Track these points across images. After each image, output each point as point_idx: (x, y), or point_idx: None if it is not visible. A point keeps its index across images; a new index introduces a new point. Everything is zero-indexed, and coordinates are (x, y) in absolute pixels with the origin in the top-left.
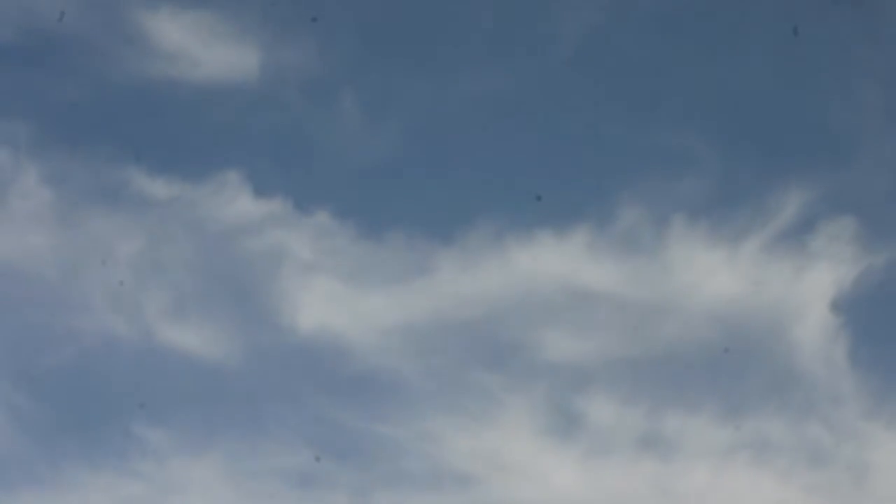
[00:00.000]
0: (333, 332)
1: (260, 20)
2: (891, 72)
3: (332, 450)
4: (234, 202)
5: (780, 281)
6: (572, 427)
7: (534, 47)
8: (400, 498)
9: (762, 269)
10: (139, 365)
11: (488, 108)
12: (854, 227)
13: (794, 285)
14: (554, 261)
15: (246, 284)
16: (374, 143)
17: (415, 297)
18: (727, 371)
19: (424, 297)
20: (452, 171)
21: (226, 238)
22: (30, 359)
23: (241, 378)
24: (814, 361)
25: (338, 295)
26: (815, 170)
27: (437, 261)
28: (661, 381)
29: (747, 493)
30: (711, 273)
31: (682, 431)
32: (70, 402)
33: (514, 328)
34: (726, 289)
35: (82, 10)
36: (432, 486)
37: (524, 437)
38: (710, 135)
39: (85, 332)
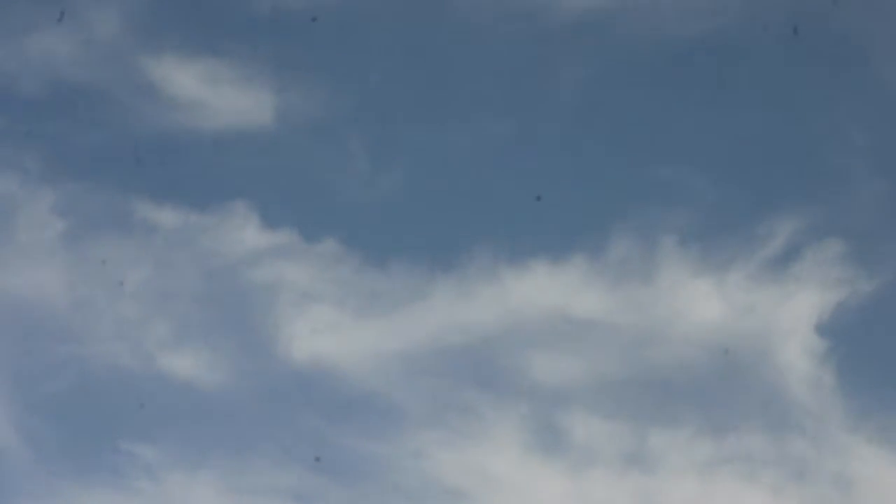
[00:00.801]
0: (330, 357)
1: (270, 67)
2: (878, 112)
3: (326, 467)
4: (241, 233)
5: (767, 305)
6: (559, 444)
7: (532, 94)
8: None
9: (750, 294)
10: (139, 389)
11: (488, 149)
12: (840, 253)
13: (780, 309)
14: (547, 288)
15: (247, 312)
16: (378, 182)
17: (411, 323)
18: (713, 391)
19: (421, 324)
20: (451, 206)
21: (230, 267)
22: (34, 382)
23: (238, 402)
24: (799, 381)
25: (335, 322)
26: (803, 200)
27: (434, 289)
28: (647, 401)
29: None
30: (700, 299)
31: (668, 447)
32: (71, 423)
33: (506, 352)
34: (715, 314)
35: (96, 61)
36: (424, 501)
37: (513, 453)
38: (702, 169)
39: (88, 357)
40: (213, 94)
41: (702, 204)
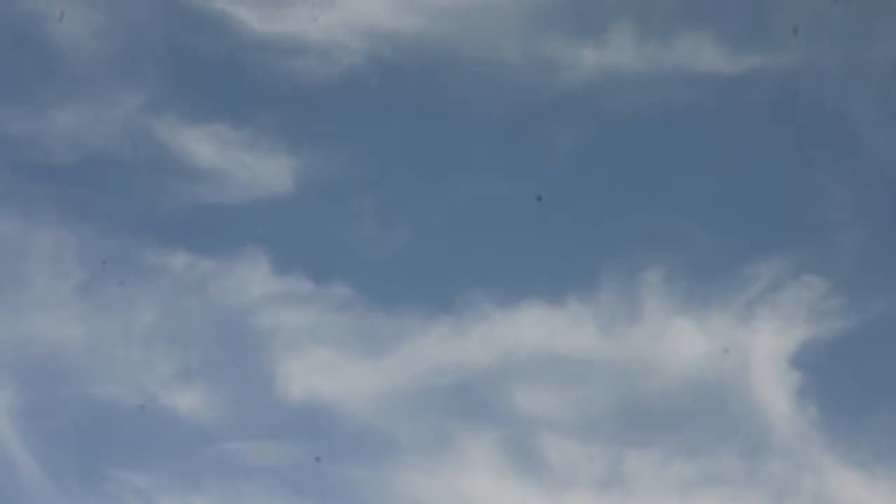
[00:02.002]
0: (327, 394)
1: (286, 136)
2: (855, 169)
3: (314, 492)
4: (251, 278)
5: (747, 340)
6: (539, 469)
7: (528, 157)
8: None
9: (730, 330)
10: (141, 424)
11: (486, 206)
12: (815, 294)
13: (759, 343)
14: (536, 328)
15: (250, 352)
16: (384, 236)
17: (406, 362)
18: (693, 420)
19: (415, 362)
20: (451, 256)
21: (238, 310)
22: (47, 416)
23: (235, 434)
24: (776, 410)
25: (332, 362)
26: (782, 246)
27: (430, 330)
28: (629, 430)
29: None
30: (683, 336)
31: (647, 470)
32: (79, 453)
33: (494, 387)
34: (697, 349)
35: (122, 132)
36: None
37: (493, 478)
38: (688, 218)
39: (96, 394)
40: (232, 161)
41: (687, 249)
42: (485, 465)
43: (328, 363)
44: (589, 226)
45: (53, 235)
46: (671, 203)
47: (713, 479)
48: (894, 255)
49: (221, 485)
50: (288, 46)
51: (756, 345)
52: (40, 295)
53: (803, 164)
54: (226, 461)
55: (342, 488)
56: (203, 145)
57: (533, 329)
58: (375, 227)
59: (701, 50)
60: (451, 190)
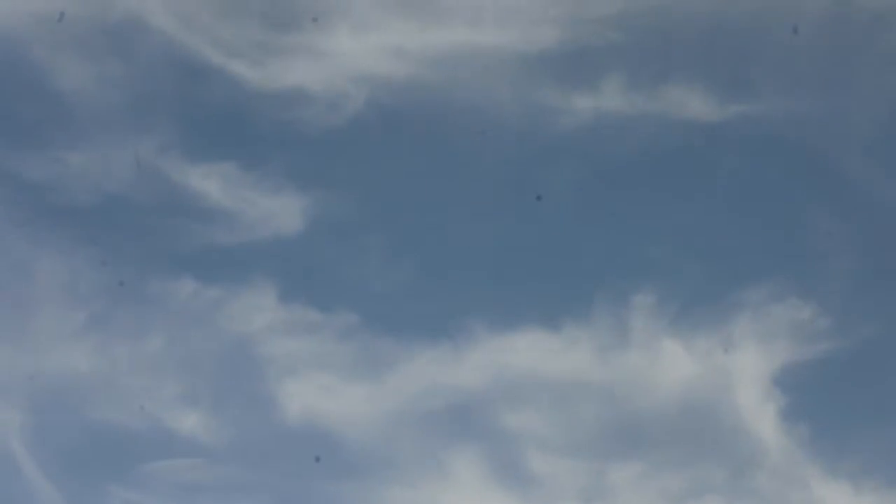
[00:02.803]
0: (326, 415)
1: (298, 178)
2: (840, 202)
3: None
4: (260, 307)
5: (733, 362)
6: (528, 484)
7: (526, 197)
8: None
9: (718, 352)
10: (147, 445)
11: (485, 241)
12: (798, 319)
13: (743, 366)
14: (529, 352)
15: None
16: (388, 270)
17: (403, 384)
18: (679, 436)
19: (412, 385)
20: (451, 286)
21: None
22: (58, 439)
23: (235, 451)
24: (762, 427)
25: (333, 385)
26: (768, 275)
27: (429, 354)
28: (619, 445)
29: None
30: (673, 358)
31: (637, 483)
32: (88, 471)
33: (487, 408)
34: (685, 371)
35: (141, 175)
36: None
37: (483, 494)
38: (677, 247)
39: (105, 418)
40: (241, 200)
41: (677, 276)
42: (475, 480)
43: (329, 387)
44: (582, 256)
45: (69, 269)
46: (662, 234)
47: (699, 493)
48: (876, 281)
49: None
50: (292, 95)
51: (743, 365)
52: (55, 323)
53: (787, 198)
54: (226, 480)
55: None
56: (213, 186)
57: (527, 353)
58: (378, 261)
59: (688, 97)
60: (450, 225)
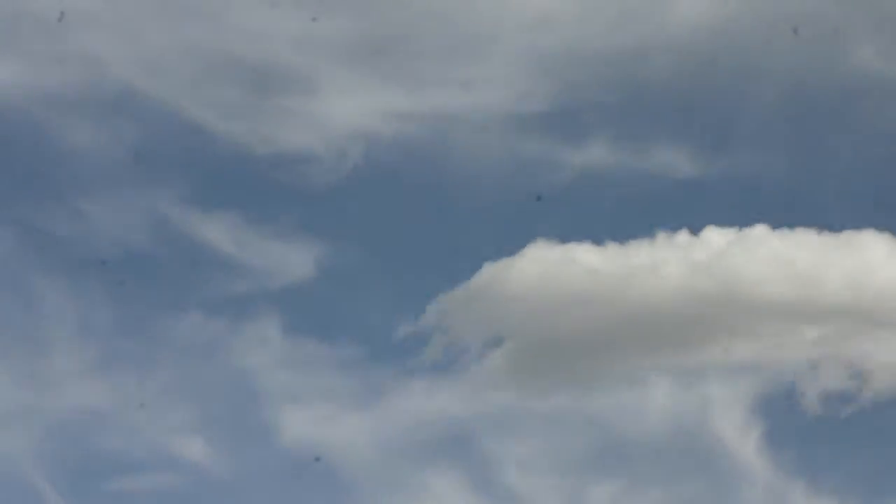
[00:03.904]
0: (323, 442)
1: (308, 229)
2: None
3: None
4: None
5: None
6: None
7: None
8: None
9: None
10: (153, 469)
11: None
12: None
13: (723, 394)
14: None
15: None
16: (392, 310)
17: (396, 413)
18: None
19: (405, 413)
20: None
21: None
22: (72, 466)
23: (237, 476)
24: (739, 448)
25: (330, 415)
26: None
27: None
28: (603, 468)
29: None
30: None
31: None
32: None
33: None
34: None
35: (160, 228)
36: None
37: None
38: None
39: (115, 447)
40: (248, 248)
41: None
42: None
43: (327, 415)
44: None
45: (82, 312)
46: None
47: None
48: None
49: None
50: (296, 154)
51: (721, 394)
52: (70, 360)
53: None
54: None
55: None
56: (222, 236)
57: None
58: (378, 300)
59: (673, 154)
60: (446, 267)
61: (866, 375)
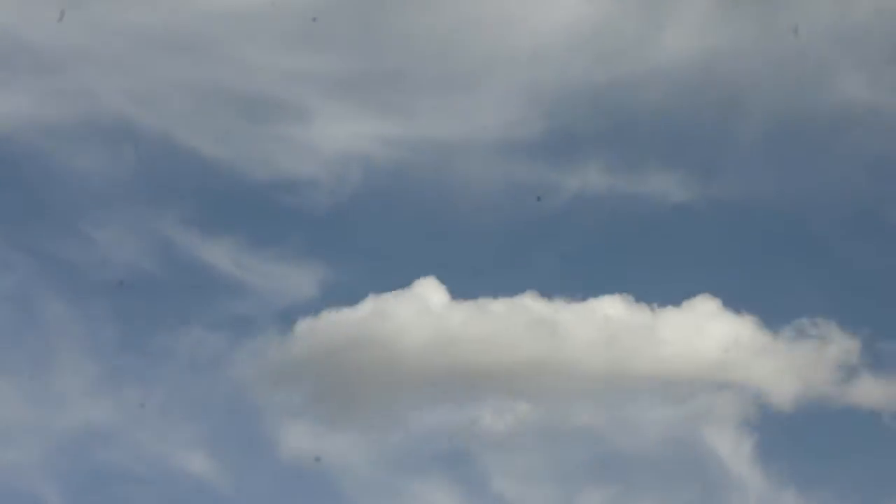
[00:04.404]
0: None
1: (300, 247)
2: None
3: None
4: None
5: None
6: None
7: (529, 257)
8: None
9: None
10: (155, 484)
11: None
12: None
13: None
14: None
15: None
16: None
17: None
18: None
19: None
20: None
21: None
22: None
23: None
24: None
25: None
26: None
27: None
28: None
29: None
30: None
31: None
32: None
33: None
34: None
35: (162, 253)
36: None
37: None
38: None
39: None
40: (250, 270)
41: None
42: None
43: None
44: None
45: (87, 331)
46: None
47: None
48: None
49: None
50: (297, 180)
51: (713, 407)
52: (75, 376)
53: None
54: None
55: None
56: (224, 258)
57: None
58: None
59: (665, 180)
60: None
61: None
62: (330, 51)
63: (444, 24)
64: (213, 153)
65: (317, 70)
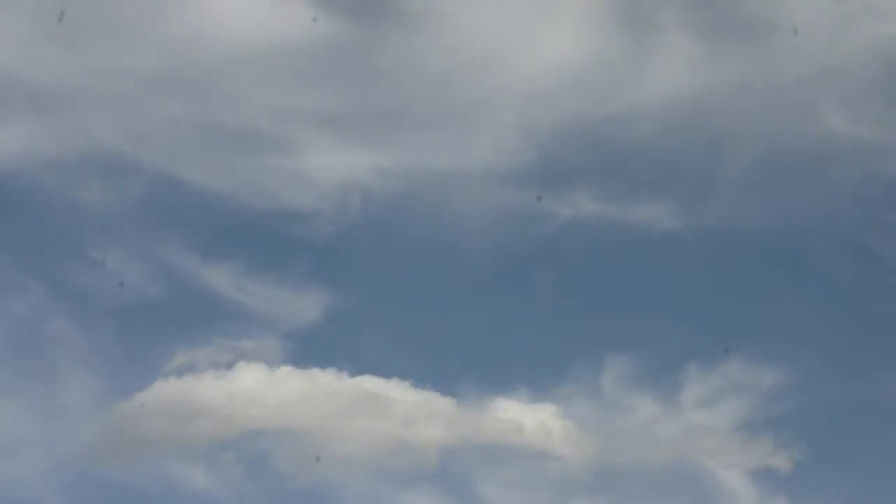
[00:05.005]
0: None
1: (302, 274)
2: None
3: None
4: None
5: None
6: None
7: (511, 286)
8: None
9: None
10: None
11: (480, 327)
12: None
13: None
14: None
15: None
16: (396, 345)
17: None
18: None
19: None
20: (451, 358)
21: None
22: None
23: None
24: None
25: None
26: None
27: None
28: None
29: None
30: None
31: None
32: None
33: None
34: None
35: (168, 279)
36: None
37: None
38: (648, 321)
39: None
40: (252, 295)
41: (650, 345)
42: None
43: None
44: (563, 332)
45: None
46: (635, 312)
47: None
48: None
49: None
50: (298, 210)
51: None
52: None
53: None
54: None
55: None
56: (226, 285)
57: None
58: (380, 340)
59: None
60: (444, 309)
61: None
62: (326, 88)
63: (439, 63)
64: (205, 184)
65: (315, 107)
